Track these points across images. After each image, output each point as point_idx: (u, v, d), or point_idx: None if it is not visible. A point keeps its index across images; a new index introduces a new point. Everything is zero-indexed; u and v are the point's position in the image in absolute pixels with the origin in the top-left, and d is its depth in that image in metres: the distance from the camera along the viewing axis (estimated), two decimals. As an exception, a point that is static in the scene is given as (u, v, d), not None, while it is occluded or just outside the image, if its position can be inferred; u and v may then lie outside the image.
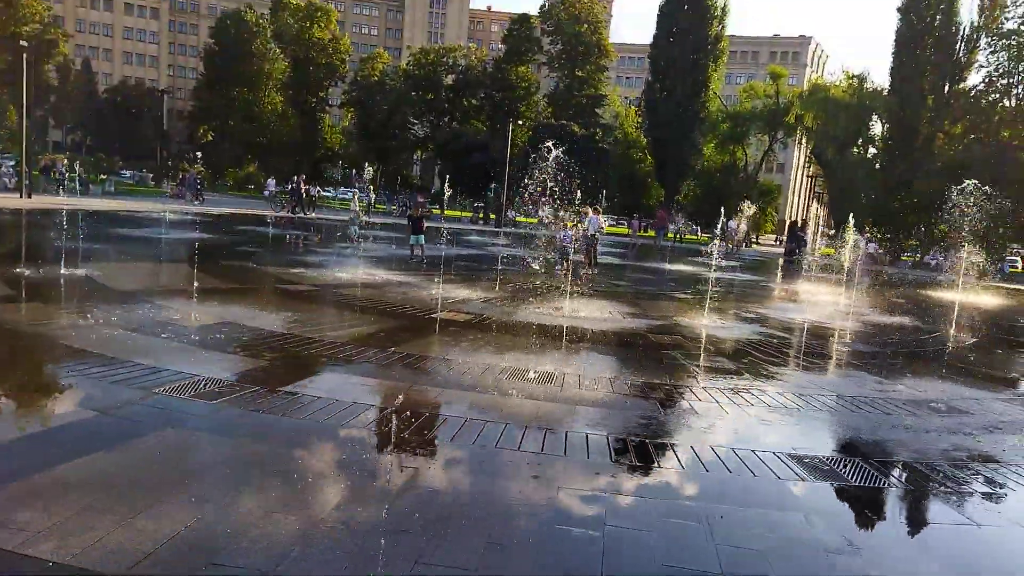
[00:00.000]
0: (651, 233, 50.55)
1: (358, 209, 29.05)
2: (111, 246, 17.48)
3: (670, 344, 10.85)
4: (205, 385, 6.50)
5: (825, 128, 54.37)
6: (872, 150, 57.60)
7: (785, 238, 35.29)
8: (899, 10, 47.68)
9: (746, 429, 6.70)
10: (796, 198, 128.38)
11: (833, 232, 43.35)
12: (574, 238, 20.13)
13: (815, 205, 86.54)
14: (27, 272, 12.24)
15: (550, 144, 15.20)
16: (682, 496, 4.98)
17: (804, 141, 68.11)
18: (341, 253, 20.36)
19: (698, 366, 9.41)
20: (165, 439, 5.25)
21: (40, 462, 4.63)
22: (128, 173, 64.73)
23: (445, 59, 71.51)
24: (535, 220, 33.51)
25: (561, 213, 21.17)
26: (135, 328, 8.67)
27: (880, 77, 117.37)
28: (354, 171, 47.57)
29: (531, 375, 7.99)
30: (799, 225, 36.93)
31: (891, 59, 51.94)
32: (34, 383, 6.74)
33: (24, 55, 28.71)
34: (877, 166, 52.10)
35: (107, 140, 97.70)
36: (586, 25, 72.27)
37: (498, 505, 4.56)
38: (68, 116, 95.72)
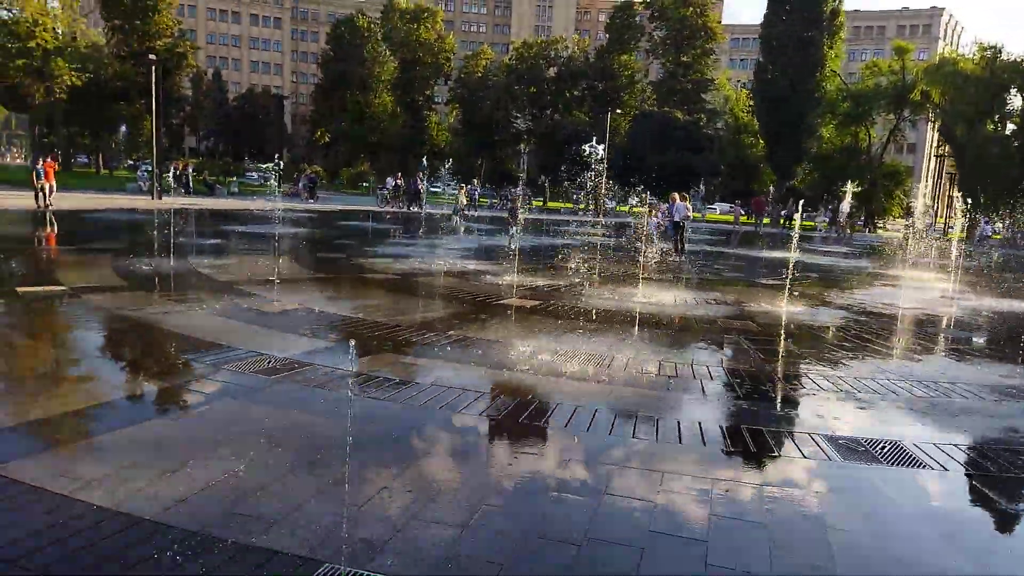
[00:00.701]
0: (750, 220, 48.72)
1: (462, 203, 29.87)
2: (221, 241, 18.99)
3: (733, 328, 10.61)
4: (268, 362, 7.09)
5: (953, 104, 50.21)
6: (1011, 126, 52.78)
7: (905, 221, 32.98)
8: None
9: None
10: (930, 180, 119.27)
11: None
12: (659, 225, 19.90)
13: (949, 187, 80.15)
14: (135, 264, 13.57)
15: (592, 145, 15.06)
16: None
17: (934, 119, 63.20)
18: (440, 244, 21.06)
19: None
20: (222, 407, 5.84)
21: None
22: (254, 175, 69.39)
23: (547, 52, 71.69)
24: (626, 208, 33.25)
25: (651, 201, 20.96)
26: (217, 313, 9.51)
27: (1018, 48, 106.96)
28: (446, 168, 48.70)
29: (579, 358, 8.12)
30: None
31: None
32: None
33: (153, 68, 31.51)
34: (1015, 144, 47.69)
35: (237, 145, 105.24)
36: (692, 8, 70.27)
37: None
38: (201, 123, 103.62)
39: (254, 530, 3.71)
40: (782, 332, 10.94)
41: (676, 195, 20.55)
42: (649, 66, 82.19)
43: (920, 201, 33.52)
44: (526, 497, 4.40)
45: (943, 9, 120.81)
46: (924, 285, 17.80)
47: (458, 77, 74.54)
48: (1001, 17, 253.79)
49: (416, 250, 19.50)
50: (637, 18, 73.51)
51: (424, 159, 41.32)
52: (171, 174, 36.06)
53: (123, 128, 56.99)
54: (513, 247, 19.25)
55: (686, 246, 20.53)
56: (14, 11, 45.25)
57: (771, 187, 63.50)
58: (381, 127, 65.57)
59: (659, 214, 20.30)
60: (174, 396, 6.13)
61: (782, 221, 43.57)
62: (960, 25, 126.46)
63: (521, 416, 5.92)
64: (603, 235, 28.08)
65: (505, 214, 28.21)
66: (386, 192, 43.20)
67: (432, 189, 51.99)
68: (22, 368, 6.80)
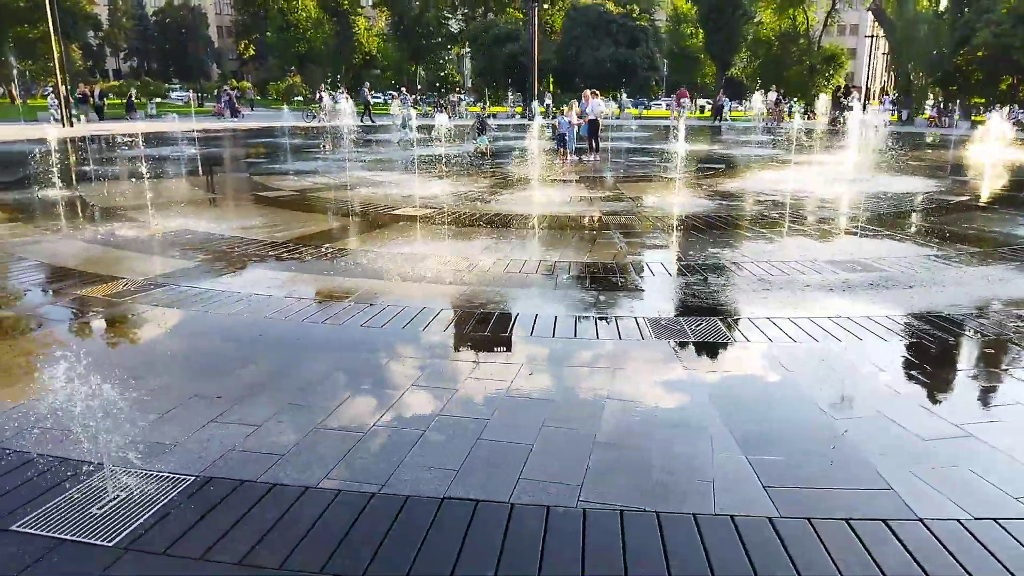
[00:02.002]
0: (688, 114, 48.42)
1: (406, 114, 29.47)
2: (118, 167, 18.42)
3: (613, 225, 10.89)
4: (124, 285, 7.14)
5: (883, -19, 49.73)
6: (944, 3, 52.63)
7: (829, 106, 33.28)
8: None
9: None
10: (874, 62, 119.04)
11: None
12: (572, 124, 19.82)
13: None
14: (17, 196, 13.20)
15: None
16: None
17: (865, -2, 62.66)
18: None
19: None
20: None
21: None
22: (180, 95, 66.31)
23: (476, -56, 68.18)
24: (543, 110, 32.89)
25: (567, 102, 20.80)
26: (96, 241, 9.42)
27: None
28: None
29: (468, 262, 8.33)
30: (841, 91, 34.72)
31: None
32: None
33: (45, -15, 29.44)
34: (944, 20, 47.65)
35: (162, 64, 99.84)
36: None
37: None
38: (121, 42, 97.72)
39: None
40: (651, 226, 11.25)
41: (588, 92, 20.39)
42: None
43: (838, 84, 33.64)
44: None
45: None
46: (806, 171, 18.17)
47: (383, -24, 70.82)
48: None
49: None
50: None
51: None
52: (79, 99, 34.32)
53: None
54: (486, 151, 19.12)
55: (600, 144, 20.56)
56: None
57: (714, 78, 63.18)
58: (307, 36, 62.60)
59: (570, 113, 20.15)
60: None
61: (705, 112, 43.37)
62: None
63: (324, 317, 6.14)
64: (526, 138, 27.87)
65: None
66: (316, 108, 41.43)
67: (374, 99, 50.48)
68: None
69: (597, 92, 20.93)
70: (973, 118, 45.47)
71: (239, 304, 6.58)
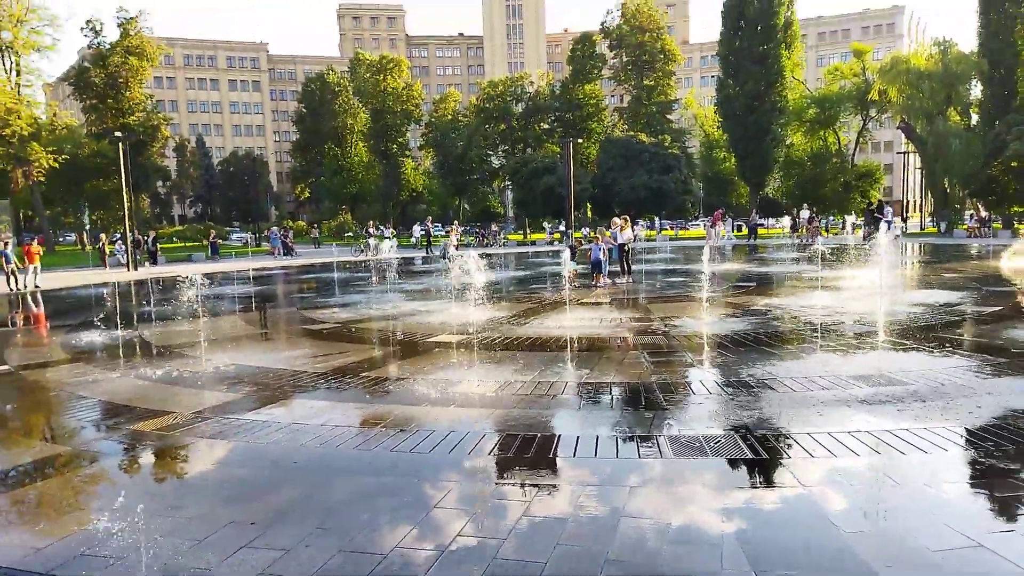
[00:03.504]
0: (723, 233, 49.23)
1: (452, 243, 31.34)
2: (176, 307, 19.59)
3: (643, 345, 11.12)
4: (173, 419, 7.61)
5: (911, 101, 51.27)
6: (975, 118, 53.83)
7: (863, 221, 33.59)
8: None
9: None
10: (908, 176, 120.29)
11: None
12: (604, 250, 20.48)
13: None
14: (81, 338, 14.15)
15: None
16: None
17: (894, 116, 64.47)
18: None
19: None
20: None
21: None
22: (236, 236, 70.59)
23: (513, 89, 73.43)
24: (580, 235, 34.06)
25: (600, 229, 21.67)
26: (150, 378, 10.05)
27: (970, 42, 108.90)
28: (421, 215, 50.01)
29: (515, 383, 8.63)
30: (876, 206, 35.14)
31: (977, 19, 48.75)
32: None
33: (120, 144, 32.59)
34: (978, 134, 48.60)
35: (224, 208, 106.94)
36: (648, 34, 72.16)
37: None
38: (188, 190, 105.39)
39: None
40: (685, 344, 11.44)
41: (618, 220, 21.24)
42: (615, 92, 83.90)
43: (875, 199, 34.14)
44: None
45: (903, 7, 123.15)
46: (841, 285, 18.24)
47: (429, 121, 76.29)
48: (964, 10, 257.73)
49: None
50: (597, 48, 75.36)
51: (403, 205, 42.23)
52: (134, 245, 36.86)
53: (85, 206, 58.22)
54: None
55: (632, 267, 21.14)
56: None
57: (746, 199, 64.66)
58: (358, 178, 66.99)
59: (603, 239, 20.89)
60: (60, 456, 6.63)
61: (740, 231, 44.17)
62: (924, 21, 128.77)
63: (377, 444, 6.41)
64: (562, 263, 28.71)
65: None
66: (363, 242, 43.80)
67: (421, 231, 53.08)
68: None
69: (627, 218, 21.77)
70: (1016, 225, 45.20)
71: (278, 433, 6.94)
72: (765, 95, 58.78)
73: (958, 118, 53.95)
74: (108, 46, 59.84)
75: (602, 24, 76.02)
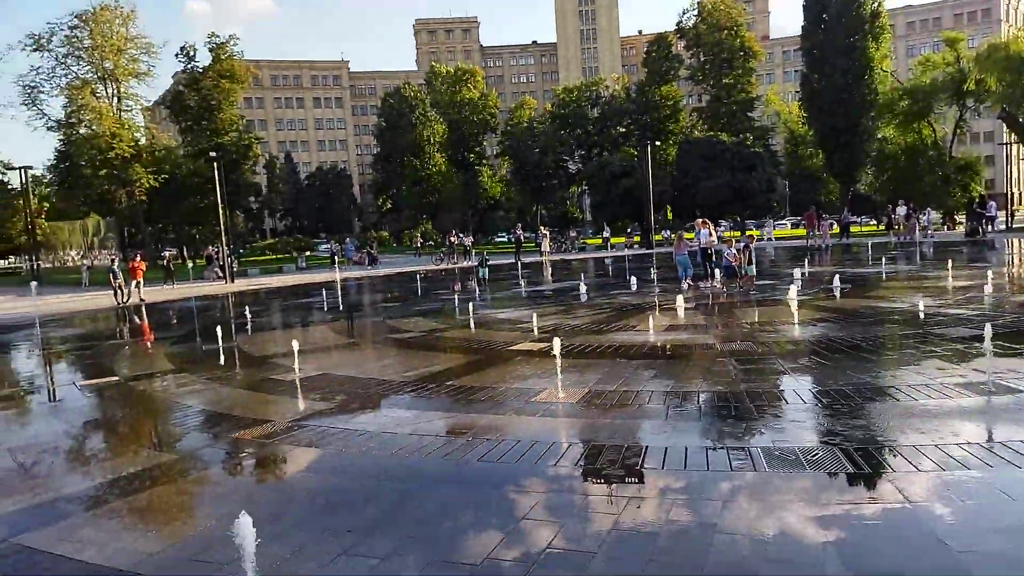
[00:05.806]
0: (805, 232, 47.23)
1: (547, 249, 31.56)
2: (270, 318, 20.47)
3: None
4: (272, 426, 7.95)
5: (1012, 89, 47.99)
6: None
7: (965, 217, 31.61)
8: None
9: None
10: (1012, 167, 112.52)
11: None
12: (685, 252, 20.07)
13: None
14: (182, 350, 14.94)
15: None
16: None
17: (993, 106, 60.50)
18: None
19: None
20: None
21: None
22: (323, 248, 73.13)
23: (588, 93, 73.18)
24: (659, 237, 33.42)
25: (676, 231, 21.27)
26: (248, 387, 10.53)
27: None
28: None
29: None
30: (979, 201, 33.07)
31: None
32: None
33: (215, 164, 34.42)
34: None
35: (312, 221, 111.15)
36: (726, 31, 70.52)
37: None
38: (278, 205, 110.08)
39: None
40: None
41: (699, 221, 20.78)
42: (693, 92, 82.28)
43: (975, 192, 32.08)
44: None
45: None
46: (922, 286, 17.20)
47: (505, 130, 76.98)
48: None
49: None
50: (673, 48, 74.23)
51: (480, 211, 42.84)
52: (207, 260, 38.56)
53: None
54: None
55: (715, 269, 20.58)
56: (94, 127, 50.21)
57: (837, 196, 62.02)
58: (437, 187, 68.30)
59: (683, 242, 20.47)
60: (163, 463, 7.01)
61: (832, 230, 42.12)
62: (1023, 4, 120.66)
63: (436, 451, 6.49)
64: (641, 268, 28.33)
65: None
66: (445, 250, 44.68)
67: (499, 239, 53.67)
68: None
69: (707, 221, 21.26)
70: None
71: (370, 442, 7.13)
72: (853, 88, 56.43)
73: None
74: (201, 70, 63.22)
75: (678, 24, 74.92)
